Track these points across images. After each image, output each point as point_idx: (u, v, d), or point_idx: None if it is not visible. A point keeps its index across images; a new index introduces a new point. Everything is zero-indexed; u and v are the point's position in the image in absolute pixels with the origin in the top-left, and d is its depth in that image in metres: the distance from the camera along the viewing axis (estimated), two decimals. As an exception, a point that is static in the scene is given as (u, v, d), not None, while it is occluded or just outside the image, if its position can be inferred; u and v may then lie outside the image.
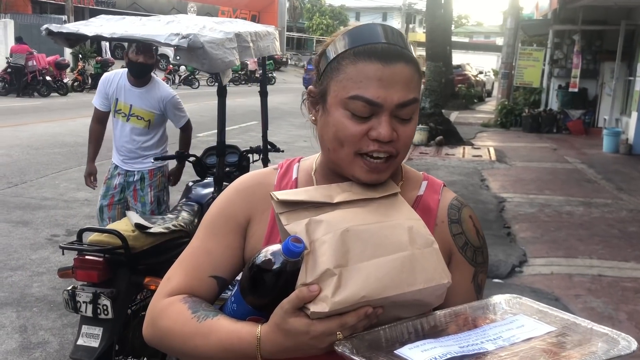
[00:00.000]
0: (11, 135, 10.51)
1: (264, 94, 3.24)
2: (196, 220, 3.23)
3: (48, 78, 18.00)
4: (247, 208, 1.13)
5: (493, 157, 10.94)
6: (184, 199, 3.58)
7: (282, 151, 3.95)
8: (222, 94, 2.71)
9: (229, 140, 3.78)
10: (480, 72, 30.18)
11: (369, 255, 0.93)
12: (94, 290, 2.59)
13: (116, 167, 4.01)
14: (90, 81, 20.77)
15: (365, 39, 1.03)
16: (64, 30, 2.64)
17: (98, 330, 2.60)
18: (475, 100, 23.90)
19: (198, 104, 16.94)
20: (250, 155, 3.94)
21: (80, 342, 2.61)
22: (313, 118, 1.10)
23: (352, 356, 0.87)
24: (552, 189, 8.40)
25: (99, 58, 22.79)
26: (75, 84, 20.23)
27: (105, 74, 4.03)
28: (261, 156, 3.73)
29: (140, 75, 3.80)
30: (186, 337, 1.03)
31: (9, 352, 3.44)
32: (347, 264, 0.92)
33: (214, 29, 2.50)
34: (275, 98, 17.14)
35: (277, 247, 0.96)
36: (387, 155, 1.04)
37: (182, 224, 3.05)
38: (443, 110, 14.05)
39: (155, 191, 4.03)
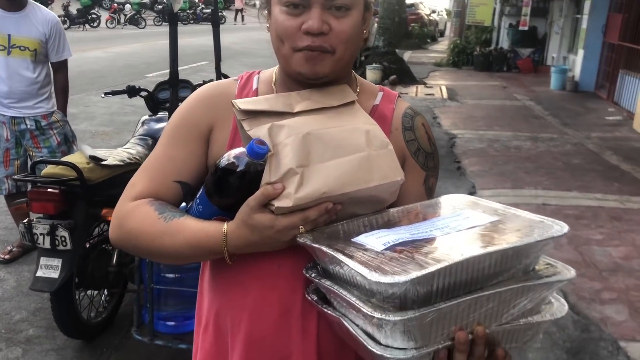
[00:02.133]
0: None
1: (215, 24, 3.20)
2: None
3: None
4: (209, 116, 1.16)
5: (445, 96, 11.10)
6: (138, 134, 3.55)
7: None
8: (173, 21, 2.66)
9: (183, 77, 3.73)
10: (434, 12, 30.08)
11: (329, 156, 1.00)
12: (51, 222, 2.59)
13: None
14: (74, 17, 19.93)
15: None
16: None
17: (57, 262, 2.62)
18: (429, 40, 23.92)
19: (146, 43, 16.45)
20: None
21: (39, 273, 2.62)
22: (267, 25, 1.13)
23: (313, 244, 0.95)
24: (501, 125, 8.63)
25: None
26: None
27: None
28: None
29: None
30: (154, 236, 1.08)
31: (-35, 290, 3.43)
32: (308, 164, 0.98)
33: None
34: (225, 38, 16.71)
35: (240, 150, 1.01)
36: (321, 50, 1.06)
37: (137, 157, 3.04)
38: (397, 50, 14.05)
39: (58, 130, 3.70)
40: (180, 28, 16.85)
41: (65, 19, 21.29)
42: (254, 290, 1.12)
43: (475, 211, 1.03)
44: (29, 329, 3.10)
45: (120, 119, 7.90)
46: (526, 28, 14.22)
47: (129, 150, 3.18)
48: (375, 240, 0.94)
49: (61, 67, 3.76)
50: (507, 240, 0.90)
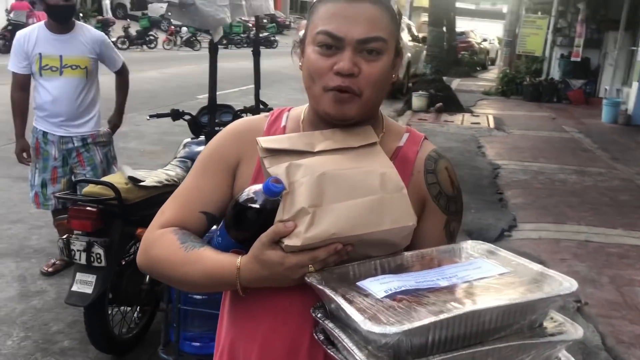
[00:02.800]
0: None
1: (256, 53, 3.29)
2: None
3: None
4: (237, 150, 1.19)
5: (491, 125, 10.97)
6: (179, 156, 3.65)
7: (272, 109, 4.00)
8: (213, 50, 2.76)
9: (228, 102, 3.83)
10: (485, 40, 29.86)
11: (342, 197, 1.02)
12: (88, 239, 2.69)
13: (45, 134, 3.66)
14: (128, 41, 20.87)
15: None
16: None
17: (91, 278, 2.71)
18: (479, 68, 23.74)
19: (199, 65, 16.85)
20: (244, 115, 3.99)
21: (74, 288, 2.71)
22: (300, 64, 1.16)
23: (318, 285, 0.97)
24: (547, 157, 8.46)
25: (100, 17, 22.60)
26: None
27: (19, 33, 3.59)
28: (240, 115, 3.78)
29: (64, 20, 3.51)
30: (175, 264, 1.12)
31: (9, 299, 3.57)
32: (321, 204, 1.00)
33: (206, -13, 2.54)
34: (276, 62, 17.03)
35: (259, 186, 1.04)
36: (350, 92, 1.09)
37: (175, 179, 3.12)
38: (445, 77, 14.01)
39: (102, 149, 3.80)
40: (233, 51, 17.28)
41: (125, 39, 22.13)
42: (266, 324, 1.14)
43: (488, 261, 1.03)
44: (64, 341, 3.20)
45: (169, 139, 8.11)
46: (579, 59, 13.96)
47: (169, 171, 3.27)
48: (379, 285, 0.94)
49: (122, 71, 3.90)
50: (513, 295, 0.90)
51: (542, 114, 12.66)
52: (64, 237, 2.73)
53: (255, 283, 1.06)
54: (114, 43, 21.02)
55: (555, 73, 15.45)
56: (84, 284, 2.71)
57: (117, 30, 22.86)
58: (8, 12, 17.87)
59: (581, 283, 3.37)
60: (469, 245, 1.10)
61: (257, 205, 1.03)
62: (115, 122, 4.00)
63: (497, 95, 15.57)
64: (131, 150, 7.39)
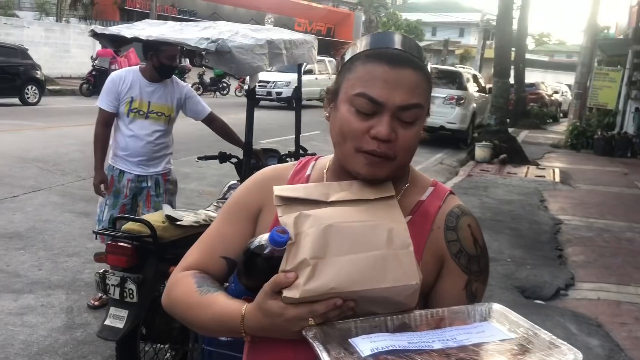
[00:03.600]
0: (88, 133, 11.12)
1: (298, 100, 3.36)
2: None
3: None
4: (260, 198, 1.21)
5: (557, 179, 10.60)
6: (222, 197, 3.74)
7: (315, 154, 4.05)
8: (251, 97, 2.84)
9: (291, 148, 3.90)
10: (556, 92, 29.18)
11: (345, 250, 1.00)
12: (122, 275, 2.77)
13: (121, 172, 3.84)
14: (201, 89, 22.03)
15: (379, 44, 1.10)
16: (107, 32, 2.86)
17: (124, 313, 2.78)
18: (549, 120, 23.14)
19: (266, 112, 17.35)
20: (288, 159, 4.06)
21: (107, 322, 2.79)
22: (327, 114, 1.16)
23: (311, 341, 0.95)
24: (615, 214, 8.05)
25: (178, 64, 23.79)
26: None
27: (115, 73, 3.82)
28: (285, 159, 3.84)
29: (166, 77, 3.78)
30: (189, 307, 1.15)
31: (54, 330, 3.71)
32: (324, 257, 0.99)
33: (246, 35, 2.64)
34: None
35: (268, 235, 1.04)
36: (384, 156, 1.08)
37: (213, 219, 3.19)
38: (512, 129, 13.75)
39: (169, 196, 3.98)
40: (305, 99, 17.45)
41: (199, 86, 23.15)
42: None
43: (497, 325, 1.00)
44: (99, 375, 3.27)
45: (228, 180, 8.33)
46: (654, 113, 13.38)
47: (209, 212, 3.35)
48: (368, 344, 0.93)
49: (213, 118, 4.06)
50: None
51: (613, 169, 12.13)
52: (101, 271, 2.83)
53: (258, 332, 1.05)
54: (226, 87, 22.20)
55: (630, 127, 14.84)
56: (117, 318, 2.79)
57: (192, 77, 23.92)
58: (94, 58, 19.11)
59: None
60: (484, 307, 1.06)
61: (265, 254, 1.03)
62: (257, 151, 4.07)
63: (566, 148, 15.09)
64: (190, 191, 7.62)
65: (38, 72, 15.98)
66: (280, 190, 1.11)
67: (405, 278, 1.00)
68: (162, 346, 3.23)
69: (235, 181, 3.98)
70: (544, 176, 10.81)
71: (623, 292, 5.15)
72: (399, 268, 1.01)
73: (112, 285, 2.77)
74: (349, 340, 0.95)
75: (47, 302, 4.07)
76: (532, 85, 24.21)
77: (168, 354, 3.26)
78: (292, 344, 1.06)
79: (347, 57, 1.13)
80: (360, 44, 1.12)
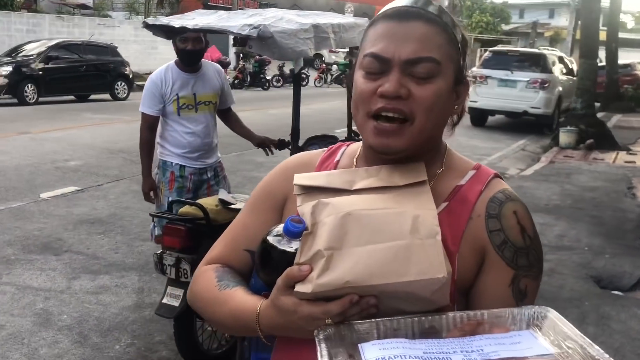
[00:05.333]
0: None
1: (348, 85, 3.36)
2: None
3: (210, 75, 19.58)
4: (285, 187, 1.12)
5: (649, 164, 9.95)
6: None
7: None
8: (297, 81, 2.88)
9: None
10: (656, 72, 27.23)
11: (364, 240, 0.91)
12: (177, 255, 2.90)
13: (182, 167, 3.72)
14: (249, 79, 22.33)
15: (391, 6, 1.04)
16: (158, 23, 2.97)
17: (179, 292, 2.91)
18: (648, 103, 21.70)
19: (343, 101, 17.38)
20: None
21: (164, 300, 2.94)
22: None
23: (317, 343, 0.87)
24: None
25: (257, 57, 24.26)
26: (236, 81, 21.79)
27: (154, 75, 3.66)
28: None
29: (192, 63, 3.62)
30: (207, 302, 1.10)
31: (125, 308, 3.94)
32: (340, 247, 0.91)
33: (291, 21, 2.67)
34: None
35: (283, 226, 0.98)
36: (399, 117, 0.98)
37: (267, 204, 3.26)
38: (603, 113, 13.00)
39: (226, 185, 3.94)
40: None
41: (279, 78, 23.51)
42: None
43: (538, 336, 0.87)
44: (163, 351, 3.44)
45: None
46: None
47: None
48: (376, 351, 0.84)
49: (230, 110, 4.02)
50: None
51: None
52: (158, 252, 2.97)
53: (274, 331, 0.99)
54: (269, 81, 22.63)
55: None
56: (173, 297, 2.92)
57: (272, 69, 24.35)
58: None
59: None
60: (532, 311, 0.91)
61: (279, 246, 0.96)
62: (263, 139, 4.06)
63: (663, 132, 14.09)
64: (262, 179, 7.79)
65: (127, 68, 16.88)
66: (301, 178, 1.04)
67: (431, 271, 0.90)
68: (219, 325, 3.35)
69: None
70: (634, 162, 10.17)
71: None
72: (424, 259, 0.90)
73: (169, 265, 2.90)
74: (359, 345, 0.86)
75: (121, 283, 4.32)
76: (626, 66, 22.70)
77: (227, 334, 3.38)
78: (314, 345, 0.94)
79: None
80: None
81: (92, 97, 16.40)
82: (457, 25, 1.05)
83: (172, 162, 3.73)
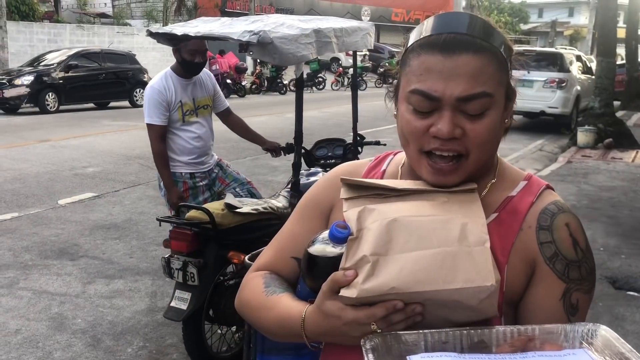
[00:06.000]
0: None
1: (354, 87, 3.38)
2: (290, 207, 3.44)
3: (229, 81, 19.73)
4: (332, 196, 1.14)
5: (669, 163, 9.78)
6: (288, 187, 3.85)
7: (384, 144, 4.05)
8: (299, 85, 2.91)
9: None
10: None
11: (411, 247, 0.91)
12: (184, 259, 2.95)
13: (192, 175, 3.73)
14: (266, 84, 22.45)
15: (432, 30, 0.99)
16: (161, 31, 3.03)
17: (187, 295, 2.95)
18: (669, 101, 21.32)
19: (361, 104, 17.40)
20: (358, 148, 4.07)
21: (173, 303, 2.98)
22: (394, 113, 1.07)
23: (365, 353, 0.86)
24: None
25: (274, 62, 24.39)
26: (253, 86, 21.92)
27: (155, 85, 3.58)
28: (351, 148, 3.85)
29: (193, 74, 3.66)
30: (254, 308, 1.12)
31: (138, 312, 4.00)
32: (386, 253, 0.91)
33: (291, 26, 2.70)
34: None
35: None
36: (453, 155, 0.98)
37: (273, 207, 3.30)
38: (624, 112, 12.80)
39: (234, 171, 3.96)
40: (373, 90, 17.83)
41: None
42: None
43: (593, 355, 0.84)
44: (174, 354, 3.49)
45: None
46: None
47: (272, 201, 3.46)
48: None
49: (229, 113, 4.03)
50: None
51: None
52: (166, 256, 3.02)
53: (319, 336, 1.00)
54: (286, 86, 22.75)
55: None
56: (181, 300, 2.97)
57: (289, 74, 24.45)
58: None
59: None
60: (586, 329, 0.88)
61: (325, 252, 0.96)
62: (269, 144, 4.12)
63: (686, 130, 13.83)
64: (277, 183, 7.83)
65: (145, 75, 17.09)
66: (348, 179, 1.04)
67: (478, 279, 0.89)
68: (228, 328, 3.39)
69: (302, 170, 4.06)
70: (654, 161, 10.02)
71: None
72: (471, 267, 0.89)
73: (176, 269, 2.95)
74: (407, 357, 0.85)
75: (134, 287, 4.39)
76: (647, 63, 22.38)
77: (237, 336, 3.42)
78: (359, 352, 0.92)
79: (409, 43, 1.02)
80: (422, 29, 1.01)
81: (112, 104, 16.65)
82: (504, 41, 1.01)
83: (181, 173, 3.72)
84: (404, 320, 0.90)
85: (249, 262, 2.58)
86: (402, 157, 1.16)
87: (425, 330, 0.89)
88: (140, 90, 16.82)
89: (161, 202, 6.71)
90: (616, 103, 14.51)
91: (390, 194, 1.00)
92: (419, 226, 0.93)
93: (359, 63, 27.95)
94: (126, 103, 16.62)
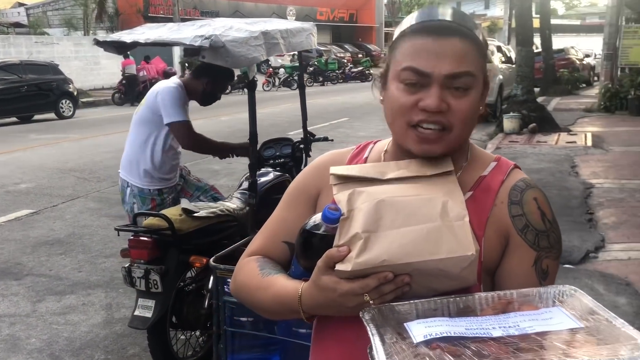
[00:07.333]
0: (122, 140, 11.45)
1: (301, 87, 3.47)
2: (247, 208, 3.43)
3: (157, 87, 19.36)
4: (318, 182, 1.23)
5: (589, 143, 10.42)
6: (240, 189, 3.88)
7: (332, 140, 4.15)
8: (251, 87, 2.96)
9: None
10: (587, 55, 28.39)
11: (398, 224, 1.00)
12: (145, 267, 2.94)
13: (160, 191, 3.52)
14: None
15: (424, 17, 1.10)
16: (108, 39, 3.01)
17: (151, 303, 2.95)
18: (582, 85, 22.59)
19: (293, 104, 17.45)
20: (308, 146, 4.12)
21: (136, 312, 2.97)
22: (381, 98, 1.16)
23: (366, 324, 0.94)
24: (649, 174, 7.91)
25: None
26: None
27: (176, 87, 3.41)
28: (303, 146, 3.92)
29: (209, 103, 3.64)
30: (252, 290, 1.20)
31: (95, 325, 3.93)
32: (376, 230, 1.00)
33: (240, 29, 2.75)
34: (369, 94, 17.28)
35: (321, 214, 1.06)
36: (439, 128, 1.07)
37: (229, 210, 3.33)
38: (543, 97, 13.48)
39: (191, 175, 3.86)
40: (330, 87, 18.06)
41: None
42: (333, 355, 1.15)
43: (567, 311, 0.93)
44: (138, 363, 3.47)
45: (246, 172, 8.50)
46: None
47: (227, 203, 3.49)
48: (422, 329, 0.90)
49: None
50: (575, 356, 0.81)
51: (649, 129, 11.84)
52: (126, 266, 3.00)
53: (315, 310, 1.07)
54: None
55: (665, 84, 14.38)
56: (145, 308, 2.96)
57: (219, 76, 24.24)
58: (122, 70, 19.63)
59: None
60: (557, 290, 0.98)
61: (319, 232, 1.04)
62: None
63: (599, 111, 14.75)
64: (219, 186, 7.77)
65: (70, 86, 16.52)
66: (337, 169, 1.13)
67: (460, 249, 0.98)
68: (192, 333, 3.40)
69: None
70: (575, 142, 10.65)
71: (654, 251, 5.10)
72: (453, 239, 0.99)
73: (138, 277, 2.94)
74: (404, 324, 0.92)
75: (88, 301, 4.31)
76: (560, 51, 23.65)
77: (201, 340, 3.43)
78: (354, 324, 1.02)
79: (395, 36, 1.14)
80: (407, 22, 1.12)
81: (36, 117, 15.98)
82: (483, 35, 1.13)
83: (150, 189, 3.50)
84: (394, 290, 0.99)
85: (214, 264, 2.62)
86: (383, 145, 1.25)
87: (416, 300, 0.98)
88: (66, 101, 16.22)
89: (104, 213, 6.59)
90: (536, 90, 15.29)
91: (375, 180, 1.10)
92: (405, 205, 1.02)
93: (288, 63, 27.91)
94: (52, 115, 15.98)
